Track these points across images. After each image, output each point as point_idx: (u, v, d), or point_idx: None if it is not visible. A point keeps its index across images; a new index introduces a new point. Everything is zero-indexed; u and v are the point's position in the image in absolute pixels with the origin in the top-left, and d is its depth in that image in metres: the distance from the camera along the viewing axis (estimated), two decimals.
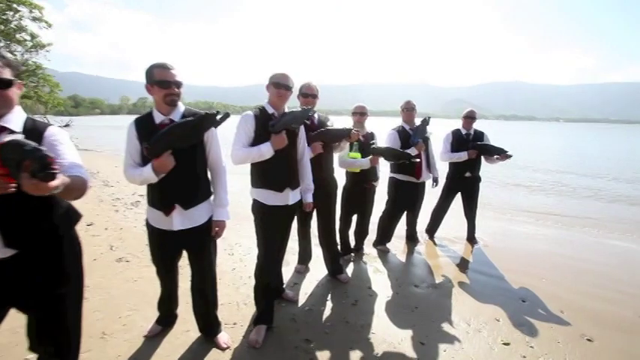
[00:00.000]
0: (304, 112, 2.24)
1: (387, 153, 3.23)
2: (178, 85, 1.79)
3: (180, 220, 1.89)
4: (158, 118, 1.83)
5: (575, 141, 30.11)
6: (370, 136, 3.40)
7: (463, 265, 3.67)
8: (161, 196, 1.87)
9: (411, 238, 4.21)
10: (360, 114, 3.35)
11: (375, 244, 3.98)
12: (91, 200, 5.74)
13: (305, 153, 2.47)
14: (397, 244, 4.08)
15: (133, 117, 1.95)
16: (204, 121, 1.77)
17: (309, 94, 2.80)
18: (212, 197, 2.04)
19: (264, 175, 2.28)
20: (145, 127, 1.83)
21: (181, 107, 1.88)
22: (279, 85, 2.17)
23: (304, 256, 3.37)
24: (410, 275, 3.33)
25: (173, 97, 1.78)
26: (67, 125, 30.42)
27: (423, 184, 3.83)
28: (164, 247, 2.00)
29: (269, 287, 2.37)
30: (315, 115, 2.93)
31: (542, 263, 3.74)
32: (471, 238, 4.34)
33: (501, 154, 3.86)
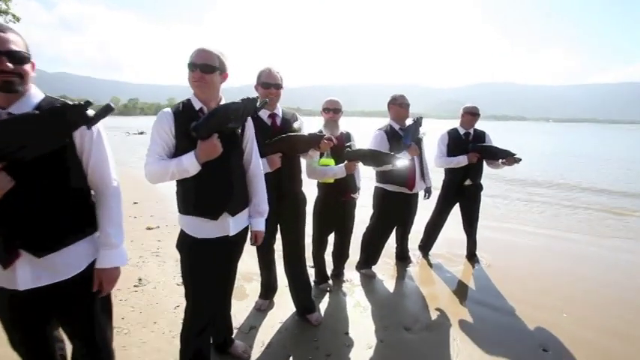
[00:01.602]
0: (248, 103, 1.52)
1: (366, 156, 2.57)
2: (17, 58, 1.09)
3: (31, 273, 1.18)
4: None
5: (569, 140, 29.83)
6: (346, 138, 2.72)
7: (463, 293, 3.02)
8: None
9: (402, 258, 3.55)
10: (333, 110, 2.65)
11: (359, 267, 3.31)
12: None
13: (255, 159, 1.78)
14: (385, 266, 3.42)
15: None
16: (67, 115, 1.10)
17: (271, 84, 2.13)
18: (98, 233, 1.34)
19: (191, 196, 1.60)
20: None
21: (35, 96, 1.18)
22: (194, 66, 1.48)
23: (267, 289, 2.68)
24: (399, 312, 2.66)
25: (5, 77, 1.08)
26: None
27: (416, 195, 3.17)
28: (13, 319, 1.26)
29: (200, 355, 1.69)
30: (279, 113, 2.25)
31: (557, 289, 3.10)
32: (472, 256, 3.71)
33: (508, 157, 3.23)
